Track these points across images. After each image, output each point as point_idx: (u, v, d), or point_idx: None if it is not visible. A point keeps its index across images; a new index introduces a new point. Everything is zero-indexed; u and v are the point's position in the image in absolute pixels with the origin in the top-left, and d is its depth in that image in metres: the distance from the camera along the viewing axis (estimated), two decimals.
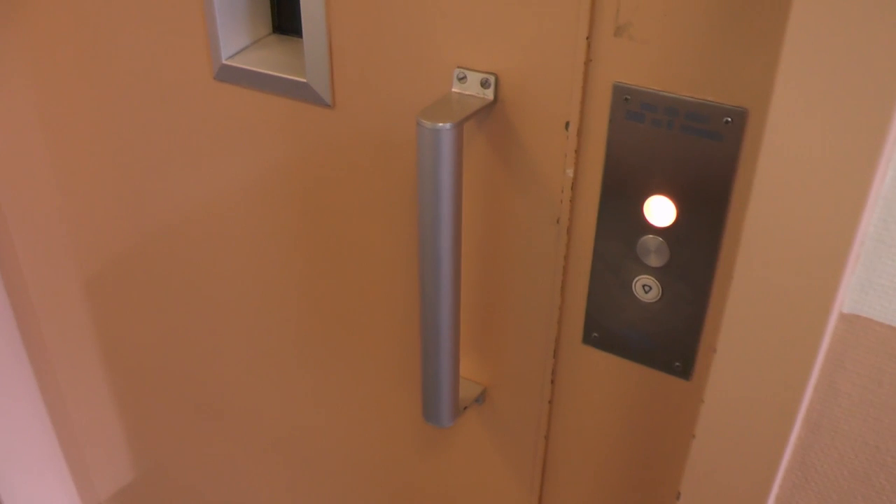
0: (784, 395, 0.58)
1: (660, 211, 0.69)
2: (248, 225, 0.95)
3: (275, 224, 0.92)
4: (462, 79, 0.72)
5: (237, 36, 0.85)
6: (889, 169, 0.48)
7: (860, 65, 0.45)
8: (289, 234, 0.92)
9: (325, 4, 0.75)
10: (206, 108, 0.89)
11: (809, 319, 0.54)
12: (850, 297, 0.54)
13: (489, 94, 0.71)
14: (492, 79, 0.70)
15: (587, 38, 0.64)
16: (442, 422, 0.83)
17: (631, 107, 0.66)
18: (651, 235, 0.71)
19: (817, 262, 0.51)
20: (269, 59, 0.84)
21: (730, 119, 0.62)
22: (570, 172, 0.70)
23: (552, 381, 0.82)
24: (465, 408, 0.86)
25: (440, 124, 0.66)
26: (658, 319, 0.74)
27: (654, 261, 0.71)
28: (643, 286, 0.73)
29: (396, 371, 0.94)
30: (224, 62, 0.85)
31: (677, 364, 0.74)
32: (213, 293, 1.04)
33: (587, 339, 0.78)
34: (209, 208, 0.97)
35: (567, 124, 0.69)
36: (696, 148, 0.64)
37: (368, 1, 0.73)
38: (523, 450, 0.89)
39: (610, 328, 0.76)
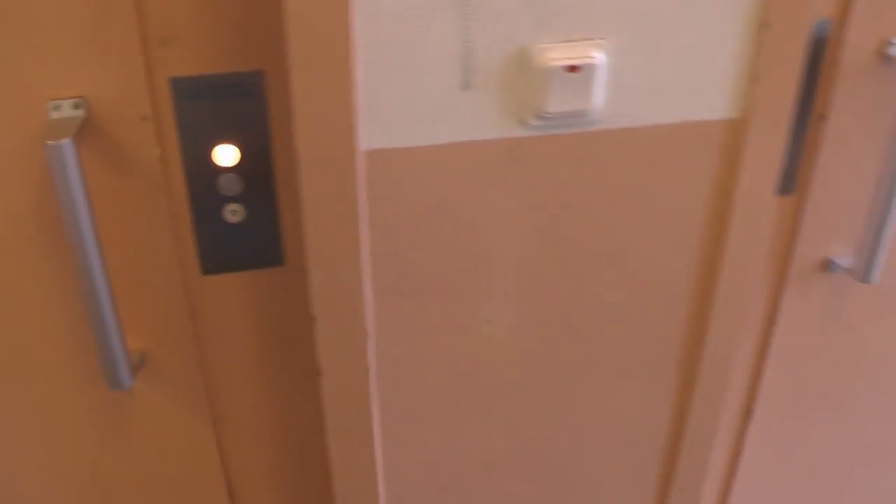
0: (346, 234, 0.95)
1: (226, 155, 1.04)
2: None
3: None
4: (57, 108, 0.96)
5: None
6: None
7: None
8: None
9: None
10: None
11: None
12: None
13: (82, 112, 0.97)
14: (81, 101, 0.96)
15: (143, 52, 0.95)
16: (123, 383, 1.04)
17: (187, 90, 0.99)
18: (225, 174, 1.05)
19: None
20: None
21: (254, 80, 1.00)
22: (157, 152, 1.00)
23: (191, 317, 1.09)
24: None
25: (60, 141, 0.91)
26: (249, 232, 1.08)
27: (233, 191, 1.05)
28: (231, 212, 1.07)
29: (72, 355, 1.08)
30: None
31: (272, 256, 1.10)
32: None
33: (205, 270, 1.09)
34: None
35: (145, 117, 0.98)
36: (238, 104, 1.01)
37: None
38: (192, 388, 1.13)
39: (218, 253, 1.08)
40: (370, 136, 0.88)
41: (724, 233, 1.00)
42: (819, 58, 1.06)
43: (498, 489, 1.15)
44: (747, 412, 1.31)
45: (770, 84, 0.92)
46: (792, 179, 1.14)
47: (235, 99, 1.00)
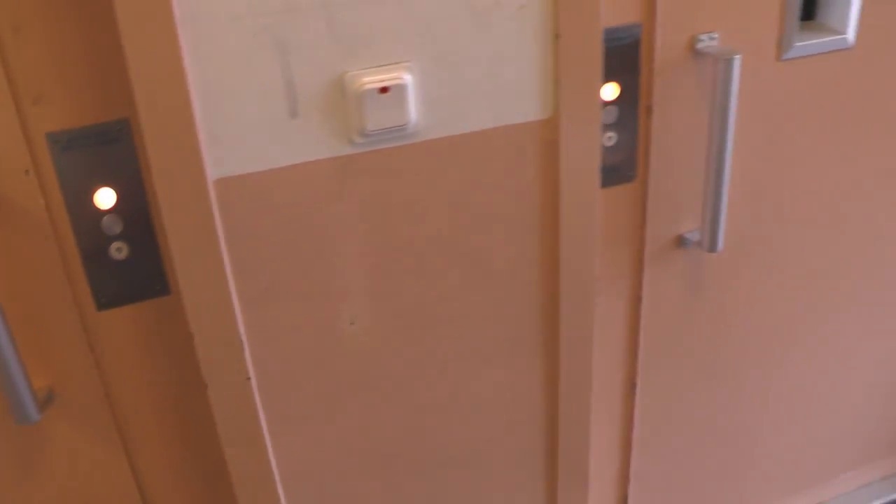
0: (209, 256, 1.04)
1: (105, 198, 1.13)
2: None
3: None
4: None
5: None
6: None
7: None
8: None
9: None
10: None
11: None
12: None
13: None
14: None
15: (18, 112, 1.05)
16: (30, 418, 1.13)
17: (62, 143, 1.09)
18: (107, 215, 1.14)
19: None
20: None
21: (120, 128, 1.10)
22: (41, 201, 1.10)
23: (92, 351, 1.19)
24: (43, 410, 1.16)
25: None
26: (134, 266, 1.18)
27: (115, 230, 1.15)
28: (116, 249, 1.16)
29: None
30: None
31: (158, 287, 1.19)
32: None
33: (99, 306, 1.18)
34: None
35: (27, 171, 1.08)
36: (110, 151, 1.11)
37: None
38: (101, 417, 1.22)
39: (109, 289, 1.18)
40: (217, 166, 0.98)
41: (557, 222, 1.10)
42: (637, 57, 1.17)
43: (391, 478, 1.24)
44: (631, 386, 1.41)
45: (573, 86, 1.03)
46: (633, 168, 1.24)
47: (107, 146, 1.10)
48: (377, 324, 1.11)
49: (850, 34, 1.34)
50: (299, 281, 1.06)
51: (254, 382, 1.11)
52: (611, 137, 1.20)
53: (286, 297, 1.07)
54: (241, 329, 1.07)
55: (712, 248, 1.28)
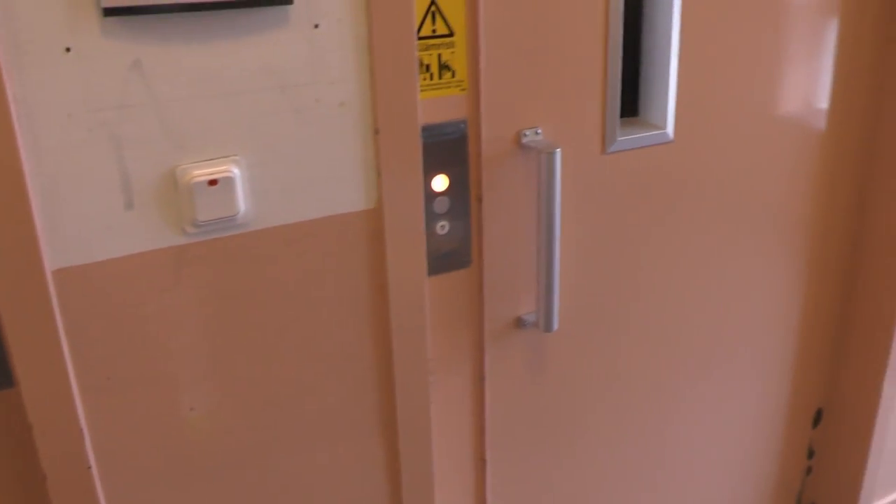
0: (47, 345, 1.08)
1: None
2: None
3: None
4: None
5: None
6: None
7: None
8: None
9: None
10: None
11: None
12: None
13: None
14: None
15: None
16: None
17: None
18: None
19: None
20: None
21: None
22: None
23: None
24: None
25: None
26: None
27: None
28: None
29: None
30: None
31: (2, 380, 1.20)
32: None
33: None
34: None
35: None
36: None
37: None
38: None
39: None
40: (56, 256, 1.01)
41: (387, 306, 1.16)
42: (465, 150, 1.26)
43: None
44: (481, 462, 1.46)
45: (395, 178, 1.11)
46: (468, 254, 1.32)
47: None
48: (217, 409, 1.14)
49: (670, 129, 1.47)
50: (139, 369, 1.09)
51: (95, 472, 1.12)
52: (444, 226, 1.28)
53: (126, 386, 1.09)
54: (82, 418, 1.09)
55: (548, 328, 1.36)
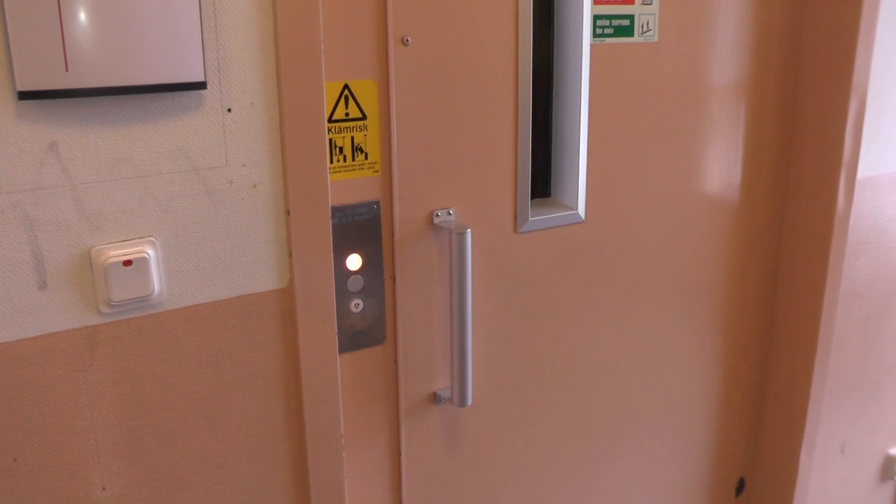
0: None
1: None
2: None
3: None
4: None
5: None
6: None
7: None
8: None
9: None
10: None
11: None
12: None
13: None
14: None
15: None
16: None
17: None
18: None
19: None
20: None
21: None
22: None
23: None
24: None
25: None
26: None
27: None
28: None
29: None
30: None
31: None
32: None
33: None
34: None
35: None
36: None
37: None
38: None
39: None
40: None
41: (299, 384, 1.19)
42: (379, 230, 1.30)
43: None
44: None
45: (306, 258, 1.14)
46: (383, 331, 1.36)
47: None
48: (129, 489, 1.14)
49: (581, 209, 1.53)
50: (50, 449, 1.09)
51: None
52: (358, 304, 1.32)
53: (36, 468, 1.09)
54: None
55: (462, 403, 1.39)
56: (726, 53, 1.65)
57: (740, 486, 2.11)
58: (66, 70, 0.95)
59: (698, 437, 1.94)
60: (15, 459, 1.07)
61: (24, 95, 0.94)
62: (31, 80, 0.94)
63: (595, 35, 1.46)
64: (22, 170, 0.98)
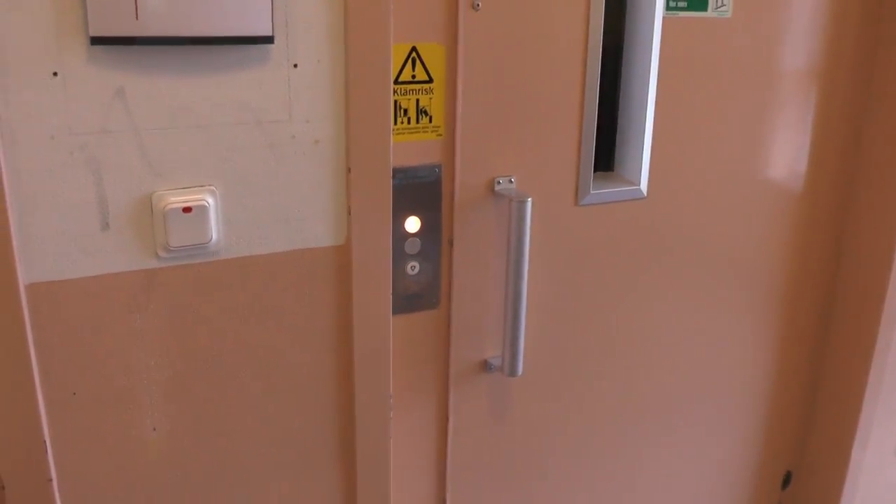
0: (16, 356, 1.11)
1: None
2: None
3: None
4: None
5: None
6: None
7: None
8: None
9: None
10: None
11: None
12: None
13: None
14: None
15: None
16: None
17: None
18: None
19: None
20: None
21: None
22: None
23: None
24: None
25: None
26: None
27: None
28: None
29: None
30: None
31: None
32: None
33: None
34: None
35: None
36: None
37: None
38: None
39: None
40: (30, 272, 1.03)
41: (351, 341, 1.19)
42: (439, 194, 1.30)
43: None
44: (441, 502, 1.47)
45: (364, 216, 1.14)
46: (437, 296, 1.35)
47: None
48: (178, 431, 1.16)
49: (643, 186, 1.51)
50: (104, 388, 1.11)
51: (55, 484, 1.13)
52: (414, 267, 1.32)
53: (92, 403, 1.11)
54: (46, 431, 1.11)
55: (512, 372, 1.39)
56: (800, 36, 1.60)
57: (787, 480, 2.07)
58: (136, 18, 0.96)
59: (747, 425, 1.91)
60: (74, 393, 1.09)
61: (96, 41, 0.96)
62: (103, 26, 0.95)
63: (668, 8, 1.43)
64: (91, 113, 1.00)
